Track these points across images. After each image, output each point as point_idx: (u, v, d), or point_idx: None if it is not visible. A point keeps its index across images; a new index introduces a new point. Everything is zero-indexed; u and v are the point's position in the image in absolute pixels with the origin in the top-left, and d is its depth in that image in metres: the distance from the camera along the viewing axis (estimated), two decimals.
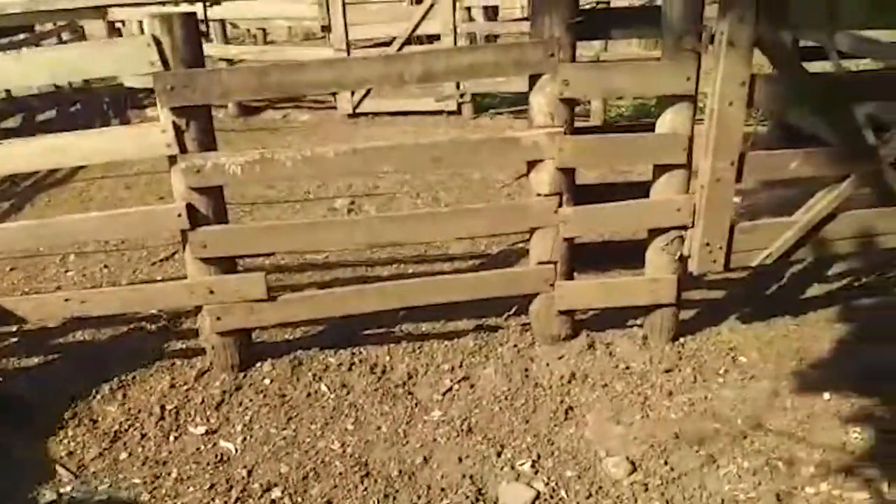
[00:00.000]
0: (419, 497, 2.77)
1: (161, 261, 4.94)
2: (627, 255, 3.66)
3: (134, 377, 3.52)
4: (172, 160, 3.08)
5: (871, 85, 3.53)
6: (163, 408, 3.30)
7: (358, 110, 8.60)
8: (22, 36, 9.34)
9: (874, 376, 3.26)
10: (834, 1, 3.29)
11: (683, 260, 3.46)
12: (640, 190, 3.45)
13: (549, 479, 2.82)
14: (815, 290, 4.17)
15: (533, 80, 3.18)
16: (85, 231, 3.35)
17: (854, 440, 2.94)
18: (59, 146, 3.05)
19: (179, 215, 3.11)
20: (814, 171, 3.39)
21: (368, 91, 8.46)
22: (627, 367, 3.48)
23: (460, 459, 2.96)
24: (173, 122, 2.99)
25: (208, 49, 8.10)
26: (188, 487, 2.85)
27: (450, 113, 8.54)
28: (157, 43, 2.89)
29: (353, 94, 8.49)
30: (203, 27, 9.87)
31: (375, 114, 8.64)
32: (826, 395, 3.20)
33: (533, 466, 2.89)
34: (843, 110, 3.43)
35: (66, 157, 3.14)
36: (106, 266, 4.93)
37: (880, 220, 3.55)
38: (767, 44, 3.10)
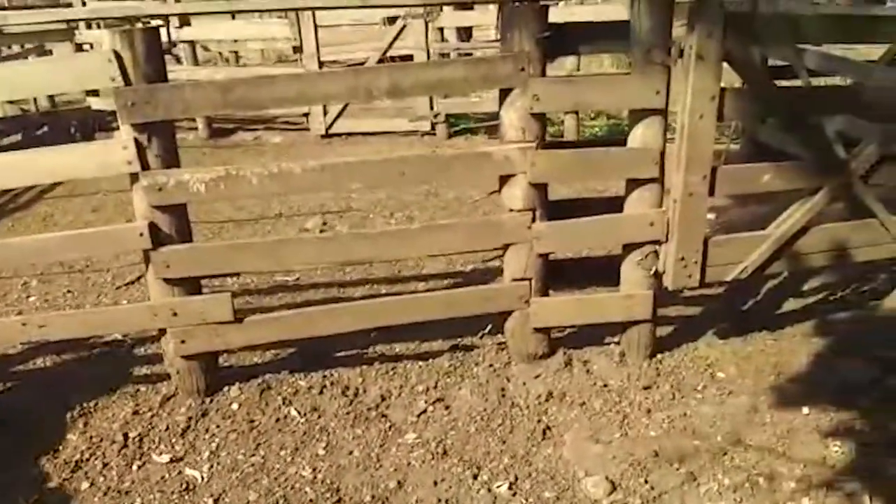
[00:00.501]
0: None
1: (127, 284, 4.81)
2: (604, 271, 3.62)
3: (96, 404, 3.39)
4: (134, 178, 2.99)
5: (838, 99, 3.56)
6: (126, 435, 3.17)
7: (331, 131, 8.55)
8: None
9: (852, 390, 3.24)
10: (796, 18, 3.33)
11: (658, 275, 3.43)
12: (614, 205, 3.42)
13: (526, 500, 2.74)
14: (791, 304, 4.17)
15: (504, 94, 3.15)
16: (45, 251, 3.22)
17: (834, 454, 2.90)
18: (16, 163, 2.95)
19: (141, 234, 3.02)
20: (785, 185, 3.40)
21: (342, 111, 8.43)
22: (605, 385, 3.42)
23: (435, 483, 2.87)
24: (135, 139, 2.90)
25: (177, 72, 8.04)
26: None
27: (424, 133, 8.52)
28: (118, 58, 2.81)
29: (325, 114, 8.44)
30: (173, 49, 9.81)
31: (349, 134, 8.60)
32: (805, 410, 3.17)
33: (510, 488, 2.81)
34: (812, 124, 3.45)
35: (24, 174, 3.03)
36: (70, 291, 4.79)
37: (852, 233, 3.55)
38: (736, 58, 3.11)
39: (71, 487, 2.90)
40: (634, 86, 3.09)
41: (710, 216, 5.19)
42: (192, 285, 3.24)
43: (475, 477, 2.88)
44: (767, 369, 3.49)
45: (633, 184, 3.29)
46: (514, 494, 2.78)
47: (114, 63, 2.81)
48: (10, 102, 9.31)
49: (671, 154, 3.21)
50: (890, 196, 3.56)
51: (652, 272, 3.40)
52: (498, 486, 2.82)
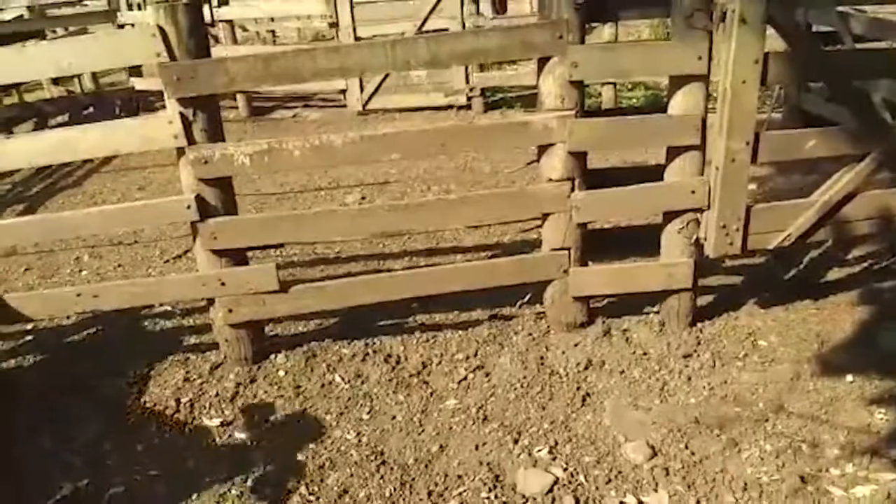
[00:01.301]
0: (436, 485, 2.73)
1: (175, 258, 4.95)
2: (644, 240, 3.61)
3: (149, 372, 3.52)
4: (180, 152, 3.07)
5: (884, 62, 3.45)
6: (178, 401, 3.29)
7: (368, 107, 8.59)
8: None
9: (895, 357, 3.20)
10: None
11: (699, 244, 3.41)
12: (654, 174, 3.40)
13: (567, 464, 2.78)
14: (834, 273, 4.10)
15: (542, 63, 3.14)
16: (94, 225, 3.34)
17: (879, 421, 2.88)
18: (66, 140, 3.05)
19: (189, 207, 3.10)
20: (830, 151, 3.33)
21: (378, 87, 8.46)
22: (645, 353, 3.43)
23: (477, 447, 2.93)
24: (180, 113, 2.97)
25: (217, 51, 8.13)
26: (205, 478, 2.84)
27: (460, 108, 8.50)
28: (163, 33, 2.88)
29: (362, 90, 8.48)
30: (212, 29, 9.93)
31: (385, 110, 8.63)
32: (849, 378, 3.14)
33: (550, 452, 2.85)
34: (857, 89, 3.37)
35: (74, 151, 3.13)
36: (120, 265, 4.94)
37: None
38: (779, 21, 3.05)
39: (127, 450, 3.03)
40: (675, 52, 3.05)
41: (752, 186, 5.12)
42: (238, 256, 3.33)
43: (516, 441, 2.93)
44: (810, 338, 3.46)
45: (673, 151, 3.27)
46: (555, 458, 2.82)
47: (158, 38, 2.87)
48: (56, 84, 9.58)
49: (713, 121, 3.17)
50: None
51: (693, 240, 3.38)
52: (538, 451, 2.87)
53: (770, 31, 2.99)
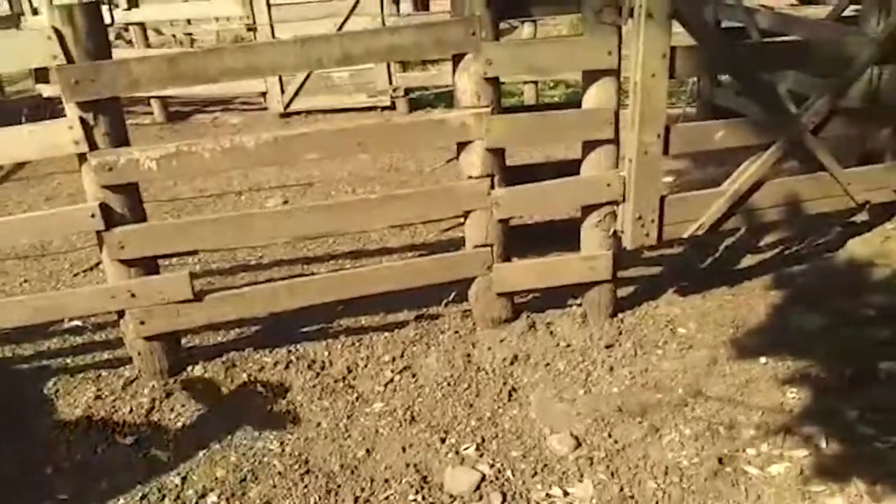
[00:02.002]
0: (362, 490, 2.68)
1: (85, 271, 4.72)
2: (566, 235, 3.65)
3: (57, 391, 3.34)
4: (83, 158, 2.92)
5: (786, 54, 3.60)
6: (90, 419, 3.13)
7: (289, 109, 8.43)
8: None
9: (807, 339, 3.32)
10: None
11: (617, 236, 3.47)
12: (572, 168, 3.43)
13: (494, 460, 2.77)
14: (748, 260, 4.25)
15: (457, 60, 3.13)
16: None
17: (791, 400, 2.98)
18: None
19: (93, 216, 2.96)
20: (738, 141, 3.44)
21: (299, 89, 8.32)
22: (569, 346, 3.46)
23: (404, 449, 2.89)
24: (80, 118, 2.84)
25: (123, 54, 7.83)
26: (118, 499, 2.71)
27: (384, 108, 8.45)
28: (59, 35, 2.74)
29: (283, 92, 8.33)
30: (125, 34, 9.57)
31: (308, 112, 8.49)
32: (763, 360, 3.25)
33: (478, 449, 2.84)
34: (763, 81, 3.49)
35: None
36: (26, 280, 4.69)
37: (804, 187, 3.62)
38: (685, 16, 3.13)
39: (36, 473, 2.86)
40: (586, 47, 3.10)
41: (668, 179, 5.26)
42: (148, 265, 3.19)
43: (443, 441, 2.91)
44: (726, 323, 3.56)
45: (589, 146, 3.31)
46: (482, 455, 2.81)
47: (54, 40, 2.73)
48: None
49: (625, 114, 3.23)
50: (839, 148, 3.63)
51: (610, 233, 3.43)
52: (465, 449, 2.85)
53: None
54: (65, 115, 2.90)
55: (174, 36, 12.90)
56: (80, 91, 2.80)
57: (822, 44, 3.95)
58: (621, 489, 2.60)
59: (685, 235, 3.51)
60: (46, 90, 8.54)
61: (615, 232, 3.44)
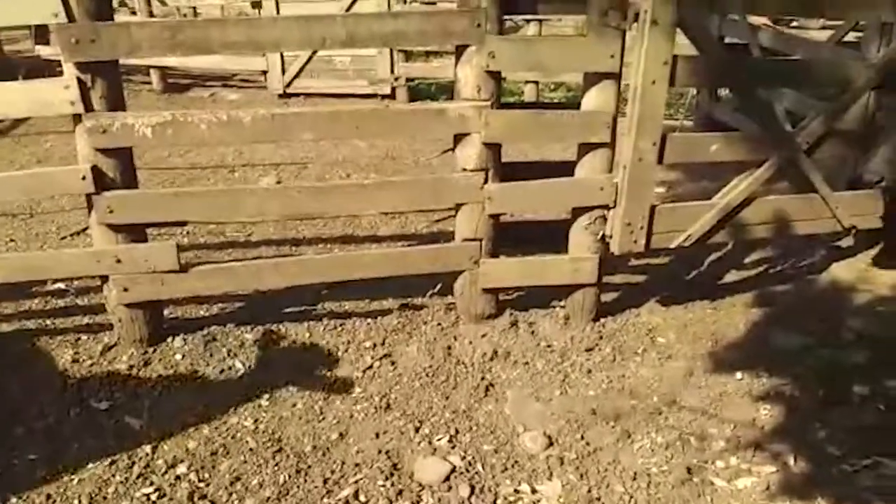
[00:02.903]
0: (332, 472, 2.69)
1: (72, 235, 4.70)
2: (553, 235, 3.66)
3: (35, 351, 3.32)
4: (77, 119, 2.90)
5: (786, 71, 3.62)
6: (65, 382, 3.12)
7: (289, 90, 8.41)
8: None
9: (784, 358, 3.35)
10: None
11: (605, 240, 3.48)
12: (566, 169, 3.45)
13: (465, 453, 2.78)
14: (732, 275, 4.29)
15: (460, 51, 3.13)
16: None
17: (764, 417, 3.01)
18: None
19: (84, 178, 2.93)
20: (732, 155, 3.45)
21: (300, 71, 8.29)
22: (549, 346, 3.48)
23: (377, 435, 2.90)
24: (78, 78, 2.81)
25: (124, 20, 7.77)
26: (87, 464, 2.70)
27: (384, 97, 8.44)
28: None
29: (283, 72, 8.29)
30: (128, 1, 9.49)
31: (307, 94, 8.46)
32: (738, 375, 3.27)
33: (450, 441, 2.85)
34: (761, 97, 3.52)
35: None
36: (12, 240, 4.66)
37: (794, 207, 3.65)
38: (689, 24, 3.14)
39: (6, 432, 2.84)
40: (589, 48, 3.10)
41: (661, 189, 5.29)
42: (136, 233, 3.17)
43: (417, 430, 2.92)
44: (706, 336, 3.59)
45: (584, 148, 3.32)
46: (454, 447, 2.82)
47: None
48: None
49: (623, 119, 3.24)
50: (831, 171, 3.67)
51: (599, 237, 3.45)
52: (438, 440, 2.86)
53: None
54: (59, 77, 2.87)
55: (178, 8, 12.77)
56: (80, 51, 2.77)
57: (822, 64, 3.98)
58: (589, 490, 2.61)
59: (673, 245, 3.53)
60: (45, 51, 8.49)
61: (604, 236, 3.46)
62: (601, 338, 3.55)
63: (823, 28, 8.12)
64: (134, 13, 9.30)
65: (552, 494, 2.60)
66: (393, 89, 8.36)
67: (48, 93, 2.89)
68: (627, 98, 3.21)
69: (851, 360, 3.29)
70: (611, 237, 3.44)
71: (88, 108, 2.88)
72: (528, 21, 7.81)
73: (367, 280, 3.50)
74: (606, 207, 3.39)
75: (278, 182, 5.72)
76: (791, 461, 2.74)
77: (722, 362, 3.38)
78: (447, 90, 8.59)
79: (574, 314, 3.64)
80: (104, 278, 3.22)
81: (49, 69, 8.61)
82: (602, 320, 3.69)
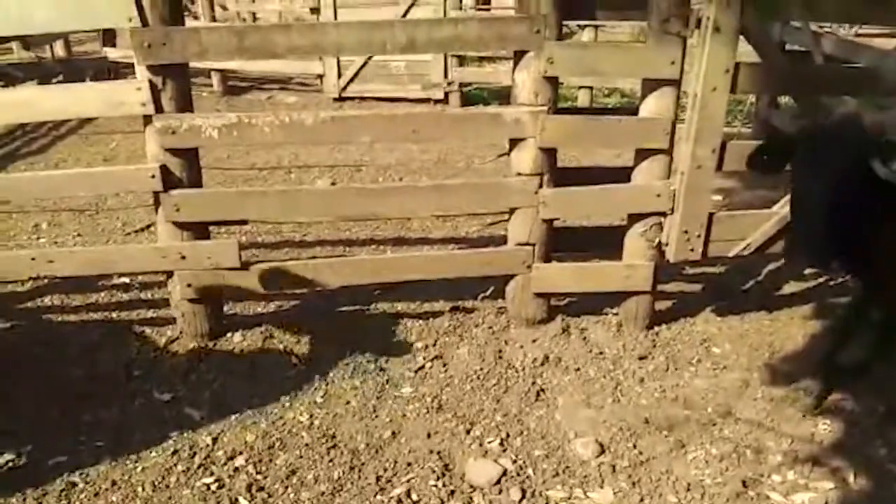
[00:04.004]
0: (385, 470, 2.73)
1: (136, 231, 4.87)
2: (608, 241, 3.65)
3: (101, 343, 3.45)
4: (147, 120, 3.02)
5: (850, 80, 3.53)
6: (129, 373, 3.24)
7: (344, 94, 8.55)
8: None
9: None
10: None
11: (661, 248, 3.45)
12: (621, 175, 3.43)
13: (517, 456, 2.79)
14: (790, 286, 4.19)
15: (518, 57, 3.15)
16: (53, 188, 3.26)
17: (822, 431, 2.94)
18: (29, 98, 2.99)
19: (153, 176, 3.05)
20: None
21: (356, 75, 8.42)
22: (601, 353, 3.46)
23: (429, 435, 2.93)
24: (150, 80, 2.93)
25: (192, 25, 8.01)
26: (151, 452, 2.79)
27: (437, 101, 8.50)
28: None
29: (340, 76, 8.43)
30: (191, 6, 9.79)
31: (362, 98, 8.59)
32: (796, 388, 3.20)
33: (501, 444, 2.86)
34: (822, 103, 3.44)
35: (36, 110, 3.06)
36: (79, 234, 4.85)
37: None
38: (752, 32, 3.10)
39: (73, 419, 2.97)
40: (649, 54, 3.09)
41: (717, 197, 5.21)
42: (200, 230, 3.28)
43: (468, 432, 2.94)
44: (762, 348, 3.52)
45: (642, 154, 3.30)
46: (505, 450, 2.84)
47: (132, 2, 2.82)
48: (27, 49, 9.36)
49: (682, 126, 3.21)
50: None
51: (655, 244, 3.42)
52: (490, 442, 2.88)
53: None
54: (128, 78, 2.98)
55: (238, 13, 13.11)
56: (152, 54, 2.89)
57: (887, 71, 3.86)
58: (641, 500, 2.59)
59: (731, 254, 3.48)
60: (112, 53, 8.81)
61: (659, 244, 3.43)
62: (654, 346, 3.52)
63: (889, 35, 7.89)
64: (196, 18, 9.58)
65: (604, 502, 2.59)
66: (446, 94, 8.42)
67: (120, 94, 3.01)
68: (685, 105, 3.19)
69: None
70: (667, 244, 3.41)
71: (159, 109, 2.99)
72: (582, 27, 7.77)
73: (419, 282, 3.55)
74: (663, 214, 3.36)
75: (333, 184, 5.82)
76: (850, 478, 2.67)
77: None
78: (499, 95, 8.62)
79: (627, 322, 3.62)
80: (169, 274, 3.34)
81: (115, 71, 8.98)
82: (655, 328, 3.65)
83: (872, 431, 2.90)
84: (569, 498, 2.60)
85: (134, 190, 3.52)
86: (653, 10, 3.03)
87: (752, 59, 3.28)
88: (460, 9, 8.56)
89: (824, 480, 2.68)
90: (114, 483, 2.64)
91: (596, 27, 7.84)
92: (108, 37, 9.24)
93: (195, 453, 2.78)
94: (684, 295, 4.06)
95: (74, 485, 2.62)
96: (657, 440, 2.89)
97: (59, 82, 8.57)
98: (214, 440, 2.87)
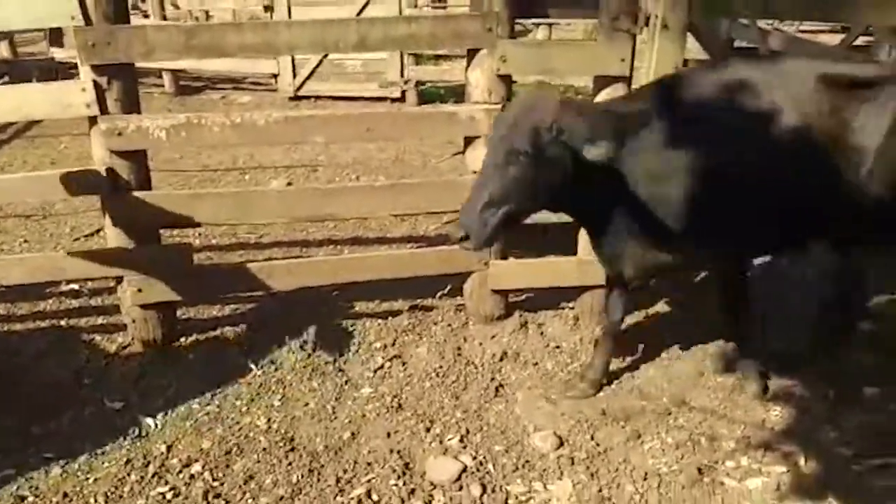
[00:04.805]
0: (345, 471, 2.71)
1: (86, 236, 4.75)
2: (563, 237, 3.67)
3: (49, 351, 3.36)
4: (93, 122, 2.95)
5: None
6: (79, 381, 3.16)
7: (299, 93, 8.46)
8: None
9: (795, 360, 3.35)
10: None
11: None
12: None
13: (477, 452, 2.80)
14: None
15: (471, 55, 3.16)
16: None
17: (774, 417, 3.01)
18: None
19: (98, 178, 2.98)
20: None
21: (311, 74, 8.34)
22: (558, 347, 3.49)
23: (389, 435, 2.92)
24: (94, 81, 2.86)
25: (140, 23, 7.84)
26: (103, 462, 2.73)
27: (394, 100, 8.47)
28: None
29: (294, 76, 8.35)
30: (142, 5, 9.58)
31: (318, 97, 8.51)
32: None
33: (461, 441, 2.87)
34: None
35: None
36: (26, 241, 4.71)
37: None
38: (700, 30, 3.16)
39: (23, 431, 2.88)
40: (600, 52, 3.12)
41: None
42: (151, 234, 3.21)
43: (428, 430, 2.94)
44: (714, 336, 3.59)
45: None
46: (465, 447, 2.84)
47: (74, 1, 2.75)
48: None
49: None
50: None
51: None
52: (450, 439, 2.88)
53: None
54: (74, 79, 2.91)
55: (190, 11, 12.87)
56: (96, 54, 2.82)
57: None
58: (600, 490, 2.63)
59: None
60: (59, 54, 8.58)
61: None
62: None
63: (833, 32, 8.13)
64: (146, 16, 9.38)
65: (563, 494, 2.61)
66: (403, 92, 8.40)
67: (65, 95, 2.93)
68: None
69: (861, 362, 3.29)
70: None
71: (104, 110, 2.92)
72: (537, 25, 7.83)
73: (377, 281, 3.53)
74: None
75: (289, 184, 5.76)
76: (802, 461, 2.74)
77: (731, 363, 3.38)
78: (457, 93, 8.61)
79: (583, 315, 3.65)
80: (118, 279, 3.26)
81: (62, 72, 8.73)
82: None
83: (823, 416, 2.98)
84: (528, 491, 2.62)
85: (81, 194, 3.42)
86: (603, 8, 3.06)
87: (701, 55, 3.34)
88: (415, 6, 8.54)
89: (777, 465, 2.74)
90: (65, 495, 2.57)
91: (550, 25, 7.90)
92: (55, 37, 8.99)
93: (149, 462, 2.73)
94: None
95: (23, 498, 2.55)
96: (614, 431, 2.93)
97: (4, 83, 8.32)
98: (169, 448, 2.81)
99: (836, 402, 3.05)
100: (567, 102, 2.57)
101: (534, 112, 2.42)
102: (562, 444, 2.85)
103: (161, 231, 3.34)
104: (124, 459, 2.74)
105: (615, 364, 3.38)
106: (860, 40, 6.14)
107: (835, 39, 6.82)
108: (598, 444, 2.85)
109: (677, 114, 2.59)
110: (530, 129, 2.38)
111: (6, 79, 8.51)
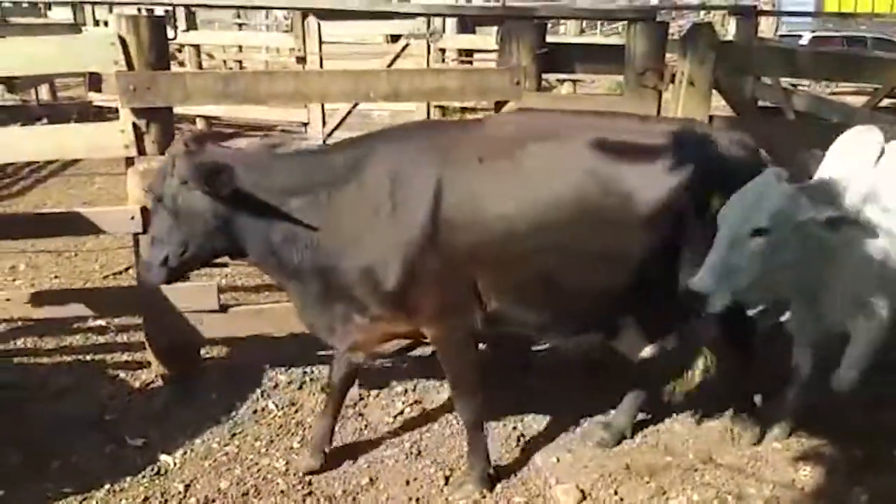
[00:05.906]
0: None
1: (115, 273, 4.82)
2: None
3: (73, 386, 3.39)
4: (130, 162, 3.03)
5: (820, 134, 3.64)
6: (101, 418, 3.17)
7: (329, 141, 8.61)
8: None
9: (824, 419, 3.27)
10: (790, 52, 3.43)
11: None
12: None
13: (496, 503, 2.75)
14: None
15: (498, 107, 3.22)
16: (34, 226, 3.24)
17: (802, 477, 2.94)
18: (10, 138, 2.98)
19: (133, 218, 3.05)
20: None
21: (340, 123, 8.50)
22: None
23: (407, 482, 2.88)
24: (133, 123, 2.95)
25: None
26: (121, 499, 2.72)
27: None
28: (123, 42, 2.87)
29: (324, 124, 8.52)
30: (178, 54, 9.92)
31: None
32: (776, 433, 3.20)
33: (481, 491, 2.82)
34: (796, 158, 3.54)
35: (18, 151, 3.06)
36: (56, 276, 4.80)
37: None
38: (725, 87, 3.21)
39: (41, 466, 2.89)
40: (626, 107, 3.17)
41: None
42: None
43: (447, 479, 2.90)
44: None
45: None
46: (485, 497, 2.79)
47: (118, 46, 2.87)
48: (11, 92, 9.39)
49: None
50: None
51: None
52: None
53: None
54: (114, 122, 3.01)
55: (224, 61, 13.29)
56: (137, 97, 2.92)
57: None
58: None
59: None
60: (97, 98, 8.86)
61: None
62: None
63: (857, 94, 8.17)
64: (182, 65, 9.69)
65: None
66: None
67: (104, 136, 3.03)
68: None
69: (891, 423, 3.21)
70: None
71: (141, 151, 3.01)
72: (562, 82, 7.96)
73: None
74: None
75: None
76: None
77: (759, 420, 3.31)
78: None
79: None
80: (145, 317, 3.30)
81: (99, 115, 9.01)
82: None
83: (851, 478, 2.89)
84: None
85: (115, 231, 3.50)
86: (629, 64, 3.12)
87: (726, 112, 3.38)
88: (443, 61, 8.73)
89: None
90: None
91: (574, 81, 8.03)
92: (93, 81, 9.30)
93: (167, 500, 2.72)
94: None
95: None
96: (638, 486, 2.87)
97: (42, 126, 8.60)
98: (187, 487, 2.80)
99: (865, 463, 2.97)
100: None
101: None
102: (584, 497, 2.80)
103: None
104: (142, 497, 2.74)
105: (640, 417, 3.33)
106: (885, 102, 6.16)
107: (860, 100, 6.85)
108: (621, 499, 2.79)
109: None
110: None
111: (45, 121, 8.81)
